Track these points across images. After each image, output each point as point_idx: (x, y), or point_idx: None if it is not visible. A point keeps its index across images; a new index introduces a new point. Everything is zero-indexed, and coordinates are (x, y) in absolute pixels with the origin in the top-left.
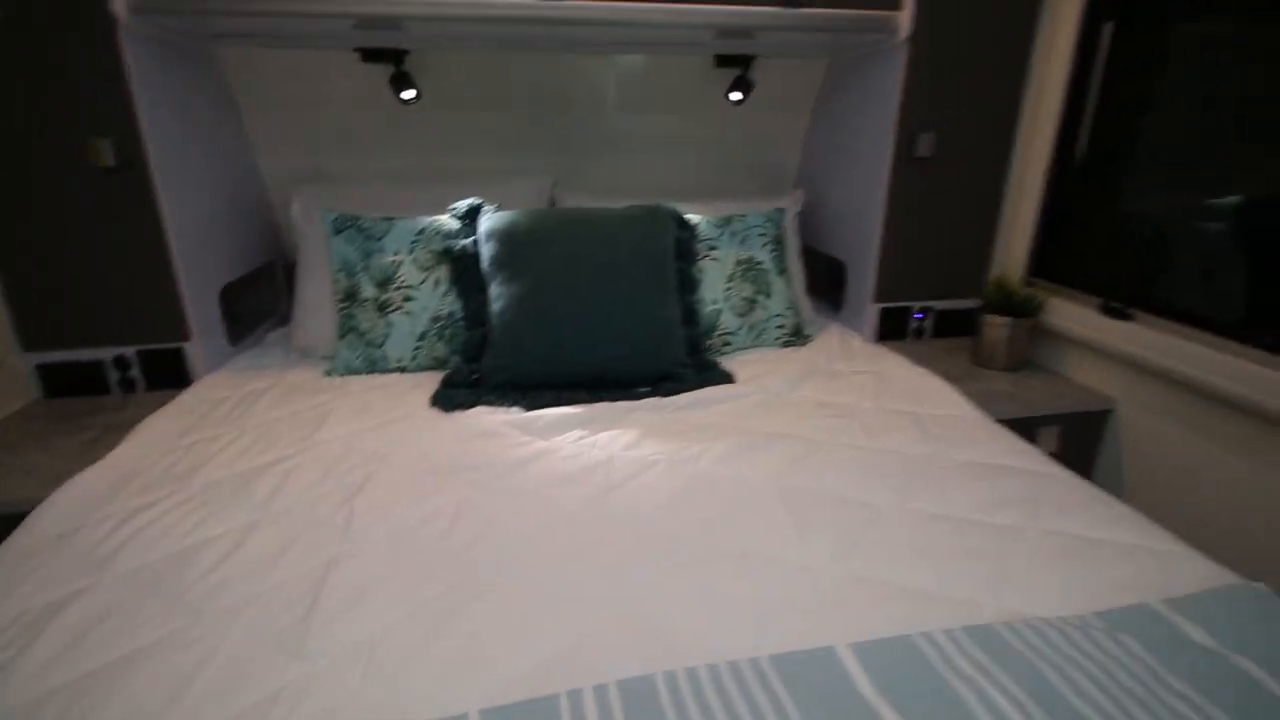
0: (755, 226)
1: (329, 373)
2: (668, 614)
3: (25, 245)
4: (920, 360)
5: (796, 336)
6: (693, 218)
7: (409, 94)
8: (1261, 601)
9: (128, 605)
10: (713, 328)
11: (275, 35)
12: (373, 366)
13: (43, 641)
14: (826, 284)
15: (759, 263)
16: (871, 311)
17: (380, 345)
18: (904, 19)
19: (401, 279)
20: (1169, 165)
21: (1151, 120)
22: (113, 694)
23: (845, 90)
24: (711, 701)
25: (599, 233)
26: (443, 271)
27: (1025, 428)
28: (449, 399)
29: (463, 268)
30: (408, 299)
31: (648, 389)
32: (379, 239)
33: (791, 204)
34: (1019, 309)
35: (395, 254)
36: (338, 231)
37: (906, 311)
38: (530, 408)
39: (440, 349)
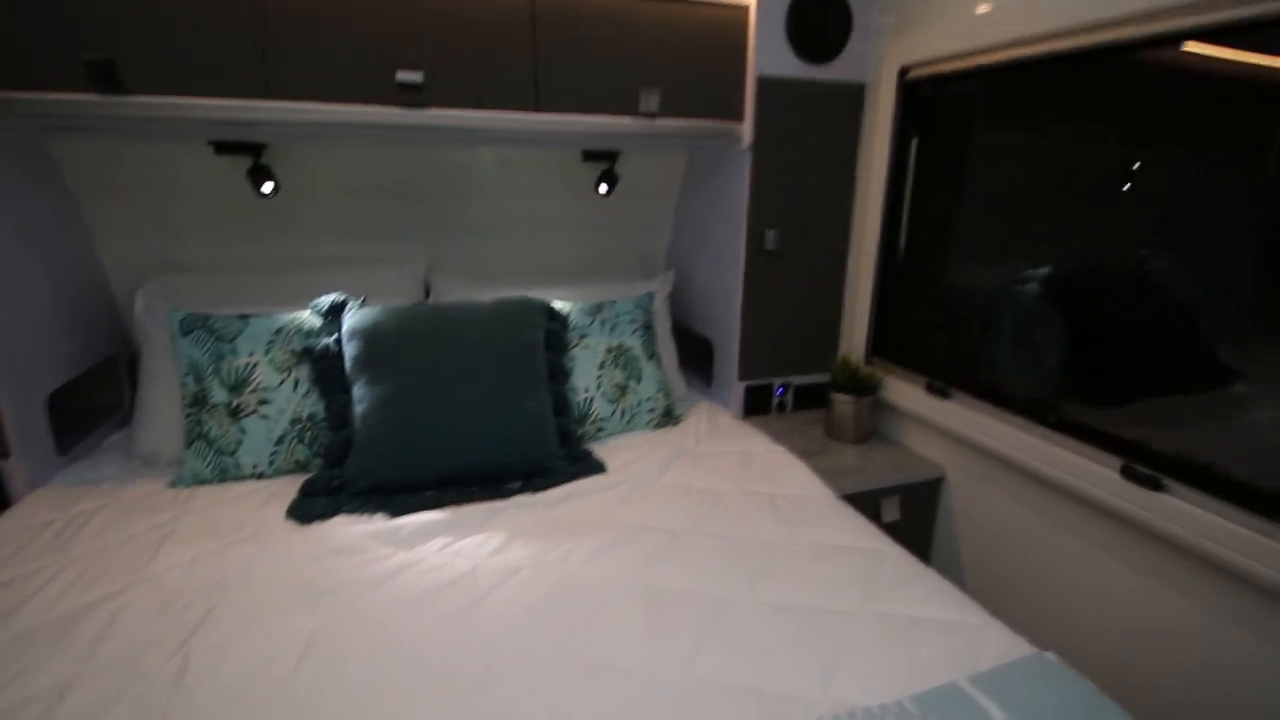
0: (625, 313)
1: (174, 484)
2: None
3: None
4: (781, 436)
5: (668, 417)
6: (564, 307)
7: (268, 187)
8: (1050, 673)
9: None
10: (586, 415)
11: (116, 129)
12: (224, 475)
13: None
14: (700, 359)
15: (629, 349)
16: (738, 389)
17: (232, 452)
18: (745, 130)
19: (256, 381)
20: (972, 258)
21: (955, 218)
22: None
23: (704, 183)
24: None
25: (466, 330)
26: (303, 371)
27: (871, 499)
28: (306, 510)
29: (324, 368)
30: (263, 402)
31: (520, 484)
32: (231, 340)
33: (661, 285)
34: (862, 387)
35: (249, 355)
36: (185, 333)
37: (769, 387)
38: (395, 514)
39: (301, 452)
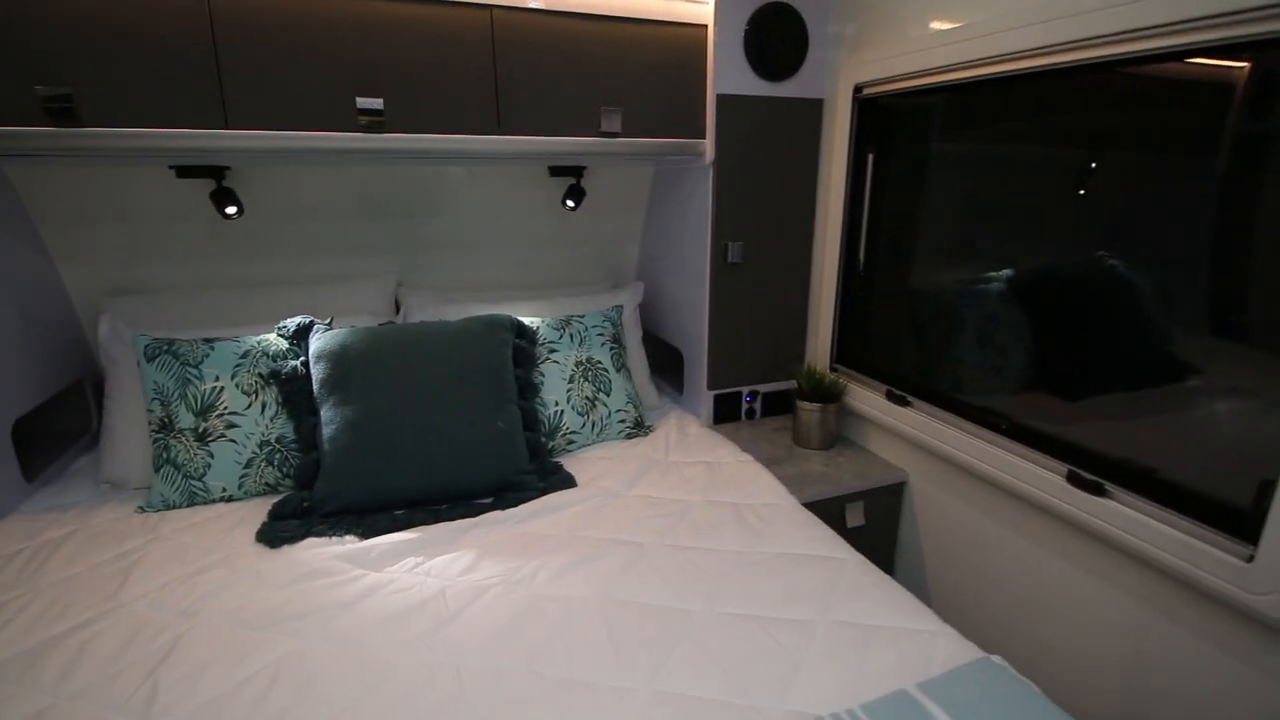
0: (594, 327)
1: (143, 509)
2: None
3: None
4: (749, 443)
5: (638, 429)
6: (533, 322)
7: (232, 209)
8: (995, 676)
9: None
10: (556, 429)
11: (74, 158)
12: (192, 499)
13: None
14: (672, 368)
15: (598, 362)
16: (707, 398)
17: (200, 477)
18: (707, 146)
19: (223, 405)
20: (928, 267)
21: (912, 228)
22: None
23: (669, 198)
24: None
25: (433, 350)
26: (270, 394)
27: (836, 505)
28: (275, 533)
29: (292, 390)
30: (231, 425)
31: (490, 500)
32: (197, 364)
33: (631, 298)
34: (826, 395)
35: (215, 379)
36: (150, 358)
37: (738, 395)
38: (365, 535)
39: (270, 475)
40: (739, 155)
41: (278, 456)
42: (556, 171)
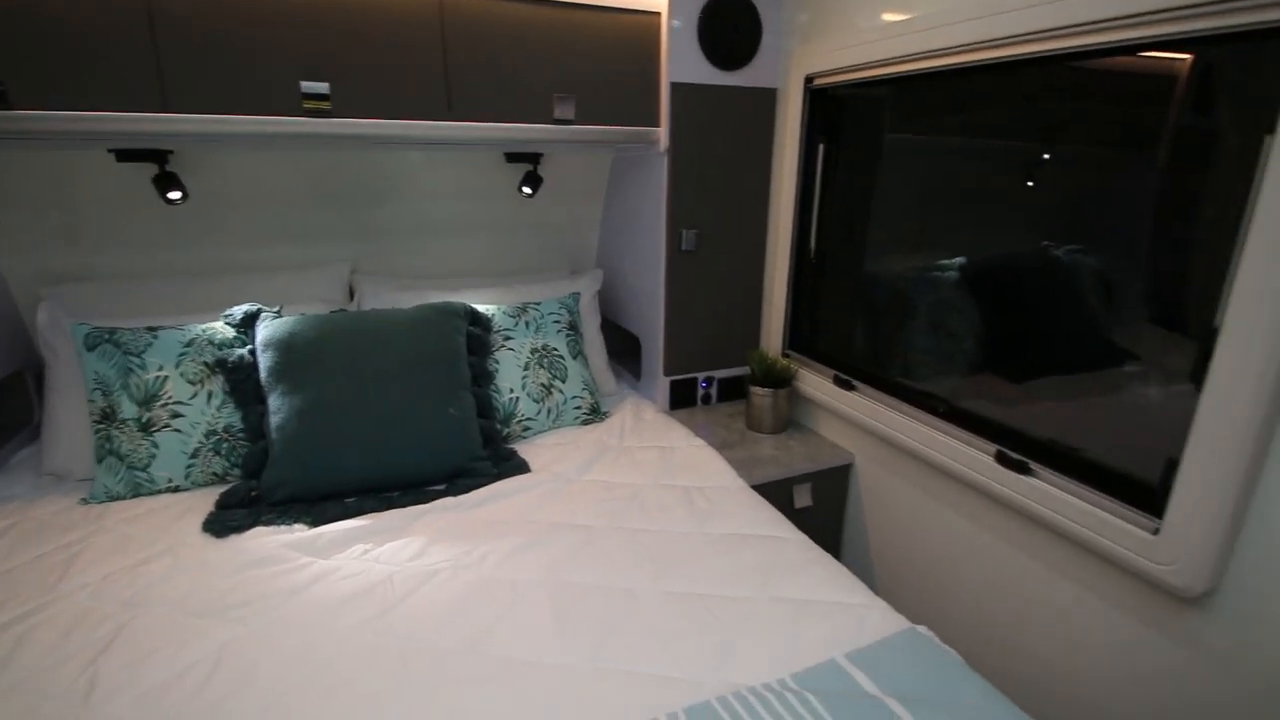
0: (550, 314)
1: (86, 500)
2: None
3: None
4: (703, 428)
5: (594, 414)
6: (488, 309)
7: (175, 195)
8: (920, 646)
9: None
10: (511, 415)
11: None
12: (137, 490)
13: None
14: (630, 354)
15: (554, 349)
16: (663, 383)
17: (145, 467)
18: (662, 134)
19: (167, 395)
20: (876, 254)
21: (861, 217)
22: None
23: (627, 185)
24: None
25: (385, 338)
26: (216, 384)
27: (785, 487)
28: (222, 522)
29: (239, 379)
30: (176, 415)
31: (443, 487)
32: (139, 354)
33: (589, 285)
34: (777, 380)
35: (159, 369)
36: (91, 347)
37: (694, 381)
38: (314, 523)
39: (218, 464)
40: (693, 143)
41: (225, 446)
42: (513, 158)
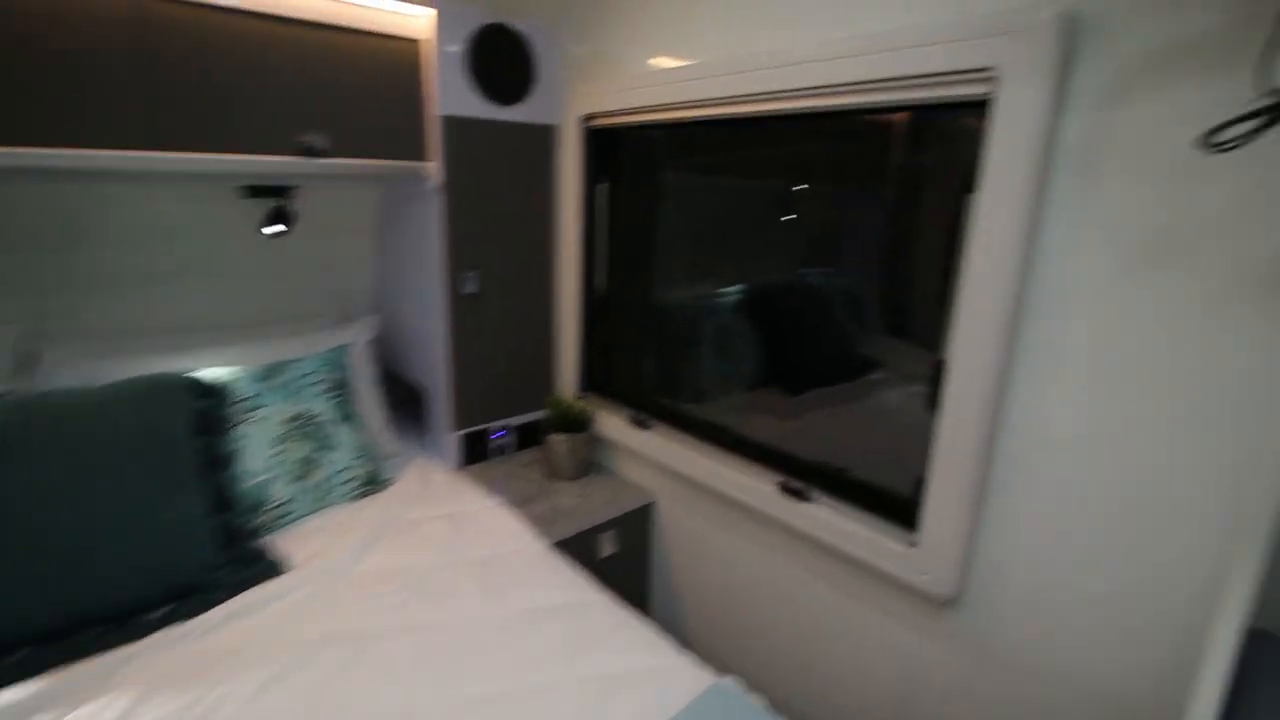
0: (309, 374)
1: None
2: None
3: None
4: (500, 483)
5: (372, 484)
6: (221, 374)
7: None
8: (728, 703)
9: None
10: (261, 503)
11: None
12: None
13: None
14: (417, 407)
15: (315, 415)
16: (453, 439)
17: None
18: (434, 169)
19: None
20: (661, 290)
21: (645, 253)
22: None
23: (399, 222)
24: None
25: (72, 427)
26: None
27: (589, 538)
28: None
29: None
30: None
31: (163, 613)
32: None
33: (360, 334)
34: (574, 424)
35: None
36: None
37: (487, 433)
38: None
39: None
40: (471, 180)
41: None
42: (256, 191)
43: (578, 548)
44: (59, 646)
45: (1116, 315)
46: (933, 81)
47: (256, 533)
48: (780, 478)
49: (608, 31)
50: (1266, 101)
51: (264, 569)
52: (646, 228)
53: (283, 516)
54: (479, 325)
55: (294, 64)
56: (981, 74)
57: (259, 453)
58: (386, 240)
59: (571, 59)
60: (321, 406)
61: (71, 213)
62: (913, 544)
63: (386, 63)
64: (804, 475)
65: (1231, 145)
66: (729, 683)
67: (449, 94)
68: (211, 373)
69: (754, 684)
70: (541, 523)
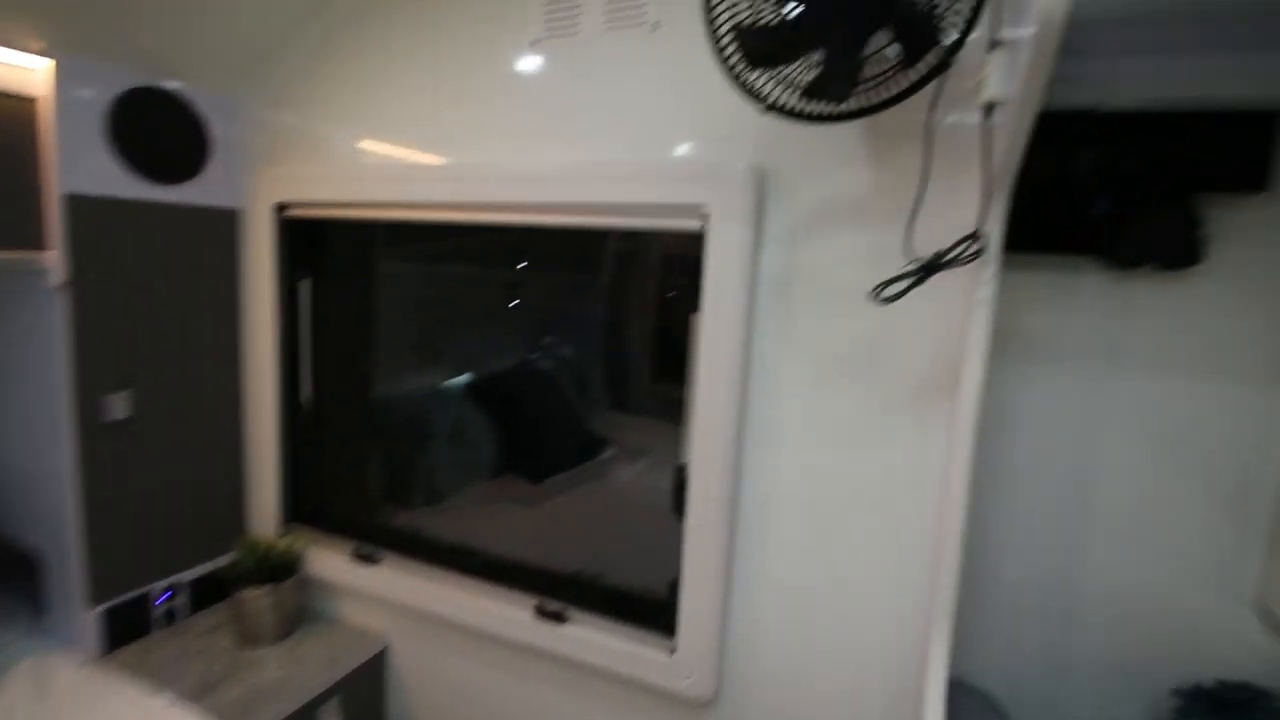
0: None
1: None
2: None
3: None
4: (171, 667)
5: None
6: None
7: None
8: None
9: None
10: None
11: None
12: None
13: None
14: (23, 579)
15: None
16: (90, 619)
17: None
18: (54, 262)
19: None
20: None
21: (361, 356)
22: None
23: (5, 334)
24: None
25: None
26: None
27: (307, 715)
28: None
29: None
30: None
31: None
32: None
33: None
34: (278, 570)
35: None
36: None
37: (146, 598)
38: None
39: None
40: (116, 276)
41: None
42: None
43: None
44: None
45: (821, 413)
46: (657, 210)
47: None
48: (535, 599)
49: (314, 110)
50: (911, 267)
51: None
52: (363, 324)
53: None
54: (131, 459)
55: None
56: (697, 209)
57: None
58: None
59: (256, 137)
60: None
61: None
62: (673, 650)
63: None
64: (558, 590)
65: (894, 297)
66: None
67: (78, 167)
68: None
69: None
70: (234, 712)
